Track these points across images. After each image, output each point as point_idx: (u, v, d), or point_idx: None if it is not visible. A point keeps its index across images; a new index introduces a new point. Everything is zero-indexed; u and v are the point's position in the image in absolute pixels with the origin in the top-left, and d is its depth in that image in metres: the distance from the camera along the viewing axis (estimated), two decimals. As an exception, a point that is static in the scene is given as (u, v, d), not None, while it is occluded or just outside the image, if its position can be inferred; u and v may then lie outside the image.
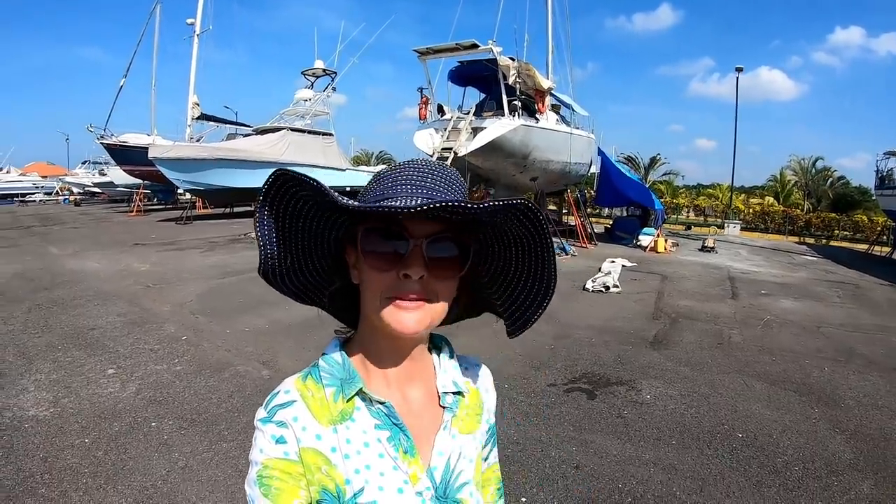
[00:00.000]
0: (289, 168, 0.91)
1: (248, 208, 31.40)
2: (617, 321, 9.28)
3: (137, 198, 33.72)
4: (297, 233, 1.02)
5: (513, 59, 18.68)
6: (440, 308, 0.99)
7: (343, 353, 1.06)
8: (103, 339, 7.37)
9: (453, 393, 1.11)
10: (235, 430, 4.87)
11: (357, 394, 1.01)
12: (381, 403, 1.01)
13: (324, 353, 1.08)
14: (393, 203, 0.91)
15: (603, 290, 11.71)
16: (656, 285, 12.98)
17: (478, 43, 18.26)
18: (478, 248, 1.05)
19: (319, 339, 7.46)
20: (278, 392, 1.01)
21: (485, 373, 1.25)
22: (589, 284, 11.90)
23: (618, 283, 12.15)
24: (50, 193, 55.10)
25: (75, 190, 52.05)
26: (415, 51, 19.62)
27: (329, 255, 1.09)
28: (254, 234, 1.02)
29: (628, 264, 15.55)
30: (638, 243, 20.57)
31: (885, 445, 4.99)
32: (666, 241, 20.40)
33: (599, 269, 13.67)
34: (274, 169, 0.92)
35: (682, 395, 6.03)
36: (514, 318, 1.13)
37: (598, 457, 4.60)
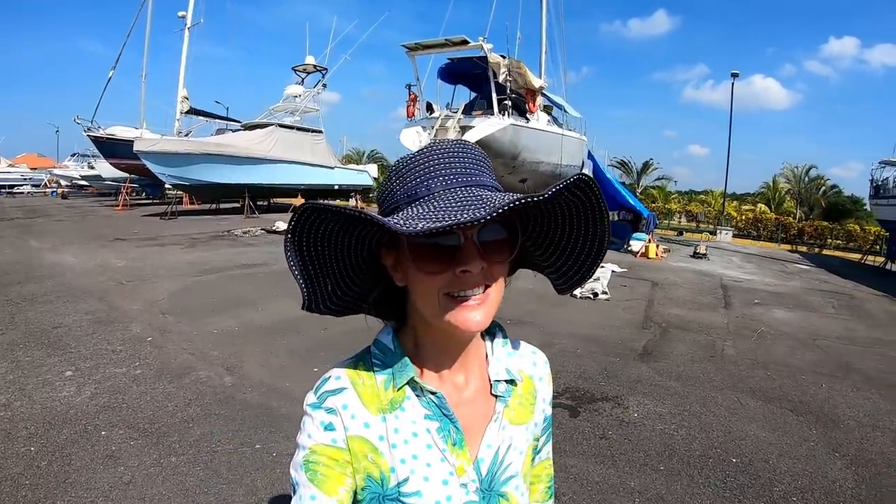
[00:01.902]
0: (320, 202, 0.88)
1: (235, 204, 31.20)
2: (604, 330, 8.95)
3: (124, 192, 33.46)
4: (331, 255, 0.97)
5: (503, 57, 18.50)
6: (499, 293, 0.97)
7: (396, 340, 1.05)
8: (66, 339, 7.12)
9: (505, 381, 1.09)
10: (187, 444, 4.56)
11: (408, 383, 1.00)
12: (433, 394, 1.00)
13: (376, 339, 1.08)
14: (434, 203, 0.87)
15: (591, 296, 11.39)
16: (646, 292, 12.69)
17: (468, 39, 18.05)
18: (521, 220, 1.01)
19: (290, 343, 7.23)
20: (329, 377, 1.01)
21: (540, 361, 1.21)
22: (577, 290, 11.40)
23: (607, 290, 11.81)
24: (38, 185, 55.29)
25: (63, 182, 52.21)
26: (403, 46, 19.41)
27: (364, 264, 1.03)
28: (290, 272, 0.95)
29: (618, 270, 15.24)
30: (629, 248, 20.25)
31: (888, 472, 4.66)
32: (657, 246, 20.16)
33: (588, 275, 13.33)
34: (303, 203, 0.87)
35: (671, 413, 5.68)
36: (567, 276, 1.09)
37: (578, 484, 4.23)
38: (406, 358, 1.01)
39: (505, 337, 1.15)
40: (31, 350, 6.61)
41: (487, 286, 0.93)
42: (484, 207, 0.80)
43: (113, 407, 5.20)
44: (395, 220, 0.83)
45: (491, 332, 1.14)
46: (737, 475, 4.46)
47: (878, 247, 26.86)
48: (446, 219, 0.80)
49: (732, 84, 33.65)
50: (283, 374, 6.13)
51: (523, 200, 0.78)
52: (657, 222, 26.37)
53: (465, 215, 0.79)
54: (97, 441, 4.55)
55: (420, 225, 0.80)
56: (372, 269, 1.04)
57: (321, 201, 0.87)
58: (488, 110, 18.66)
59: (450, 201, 0.86)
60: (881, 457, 4.94)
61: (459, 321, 0.91)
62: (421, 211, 0.86)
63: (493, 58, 18.10)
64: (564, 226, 1.01)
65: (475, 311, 0.91)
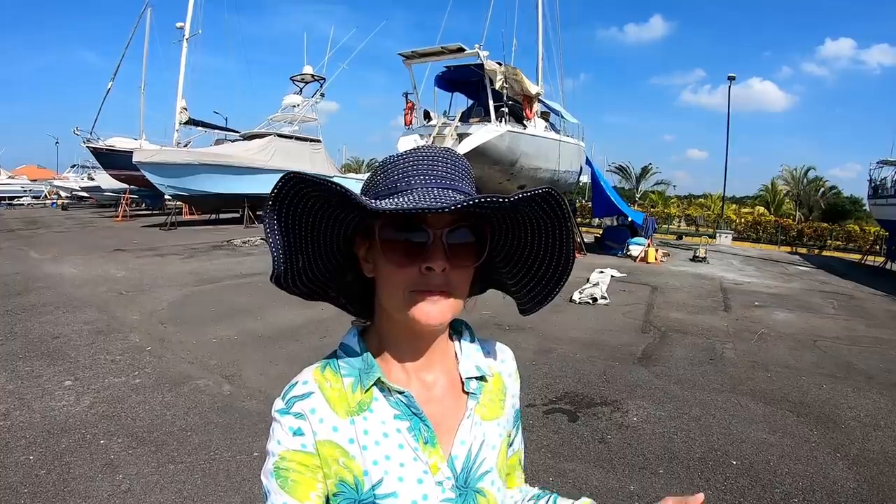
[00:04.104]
0: (301, 172, 0.87)
1: (235, 214, 31.26)
2: (604, 335, 8.93)
3: (123, 203, 33.46)
4: (305, 231, 0.97)
5: (500, 64, 18.52)
6: (461, 298, 0.98)
7: (361, 342, 1.06)
8: (66, 349, 7.12)
9: (476, 378, 1.10)
10: (185, 451, 4.57)
11: (375, 384, 1.00)
12: (401, 393, 1.00)
13: (342, 343, 1.08)
14: (411, 197, 0.90)
15: (590, 301, 11.35)
16: (646, 297, 12.67)
17: (464, 47, 18.07)
18: (492, 231, 1.03)
19: (289, 352, 7.18)
20: (296, 383, 1.02)
21: (508, 357, 1.24)
22: (576, 296, 11.52)
23: (606, 295, 11.79)
24: (38, 197, 55.33)
25: (63, 194, 52.24)
26: (400, 54, 19.43)
27: (339, 251, 1.05)
28: (265, 240, 0.96)
29: (617, 275, 15.22)
30: (628, 253, 20.26)
31: (891, 472, 4.64)
32: (657, 251, 20.10)
33: (587, 280, 13.35)
34: (285, 172, 0.88)
35: (671, 416, 5.66)
36: (531, 296, 1.12)
37: (576, 489, 4.20)
38: (372, 359, 1.02)
39: (472, 335, 1.17)
40: (30, 360, 6.61)
41: (449, 290, 0.94)
42: (448, 203, 0.83)
43: (112, 416, 5.21)
44: (368, 201, 0.86)
45: (458, 331, 1.15)
46: (737, 477, 4.44)
47: (877, 247, 26.80)
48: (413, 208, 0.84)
49: (729, 87, 33.86)
50: (282, 383, 5.95)
51: (484, 199, 0.81)
52: (656, 227, 26.38)
53: (428, 204, 0.84)
54: (96, 450, 4.55)
55: (385, 206, 0.85)
56: (345, 257, 1.06)
57: (304, 172, 0.86)
58: (485, 117, 18.66)
59: (424, 197, 0.89)
60: (883, 456, 4.92)
61: (419, 314, 0.92)
62: (395, 202, 0.89)
63: (490, 65, 18.12)
64: (533, 240, 1.03)
65: (435, 306, 0.93)
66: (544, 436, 5.12)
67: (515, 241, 1.05)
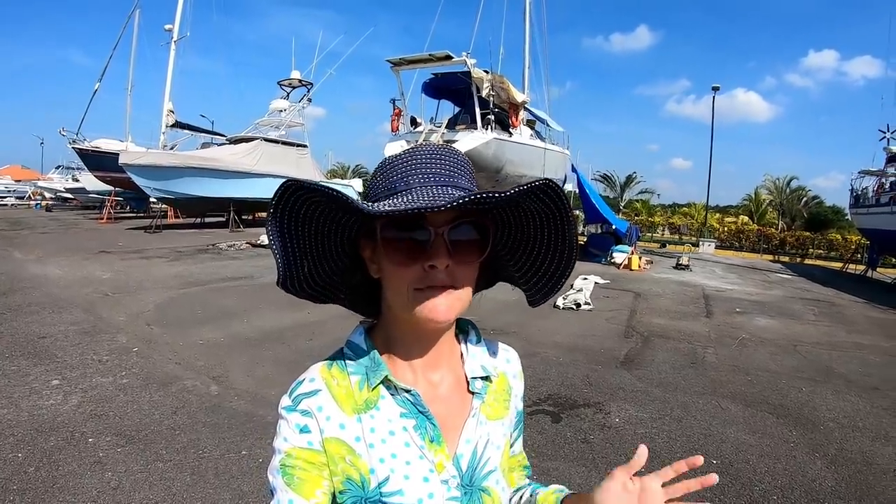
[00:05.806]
0: (299, 179, 0.89)
1: (220, 218, 31.08)
2: (587, 339, 9.00)
3: (108, 205, 33.27)
4: (309, 237, 1.00)
5: (487, 72, 18.61)
6: (467, 293, 0.99)
7: (368, 340, 1.06)
8: (53, 349, 7.09)
9: (481, 378, 1.11)
10: (173, 450, 4.58)
11: (382, 382, 1.01)
12: (407, 391, 1.00)
13: (348, 341, 1.09)
14: (409, 197, 0.92)
15: (574, 307, 11.46)
16: (629, 303, 12.77)
17: (451, 54, 18.17)
18: (495, 225, 1.05)
19: (275, 353, 7.20)
20: (303, 380, 1.02)
21: (513, 357, 1.24)
22: (560, 301, 11.63)
23: (590, 301, 11.89)
24: (22, 198, 54.75)
25: (47, 195, 51.70)
26: (388, 61, 19.50)
27: (345, 253, 1.07)
28: (268, 246, 0.99)
29: (601, 281, 15.27)
30: (612, 260, 20.34)
31: (868, 471, 4.75)
32: (640, 258, 20.24)
33: (571, 286, 13.37)
34: (284, 179, 0.89)
35: (653, 418, 5.74)
36: (537, 288, 1.13)
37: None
38: (379, 357, 1.03)
39: (478, 335, 1.17)
40: (17, 359, 6.59)
41: (454, 286, 0.95)
42: (445, 200, 0.85)
43: (100, 415, 5.20)
44: (364, 204, 0.87)
45: (464, 330, 1.16)
46: (718, 476, 4.50)
47: (858, 255, 27.11)
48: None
49: (713, 98, 33.98)
50: (269, 383, 6.15)
51: (481, 195, 0.81)
52: (640, 235, 26.52)
53: (425, 203, 0.86)
54: (84, 448, 4.55)
55: (383, 208, 0.86)
56: (352, 259, 1.07)
57: (302, 179, 0.88)
58: (472, 125, 18.77)
59: (423, 196, 0.90)
60: (861, 455, 5.03)
61: (426, 311, 0.93)
62: (394, 202, 0.91)
63: (477, 73, 18.19)
64: (536, 234, 1.04)
65: (441, 301, 0.93)
66: (528, 436, 5.09)
67: (520, 234, 1.07)
